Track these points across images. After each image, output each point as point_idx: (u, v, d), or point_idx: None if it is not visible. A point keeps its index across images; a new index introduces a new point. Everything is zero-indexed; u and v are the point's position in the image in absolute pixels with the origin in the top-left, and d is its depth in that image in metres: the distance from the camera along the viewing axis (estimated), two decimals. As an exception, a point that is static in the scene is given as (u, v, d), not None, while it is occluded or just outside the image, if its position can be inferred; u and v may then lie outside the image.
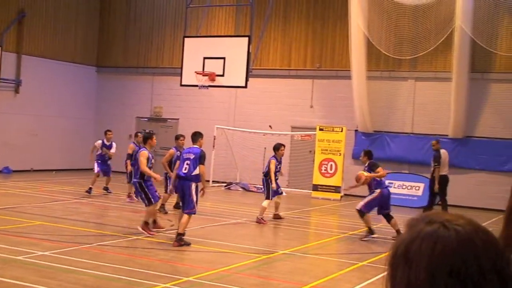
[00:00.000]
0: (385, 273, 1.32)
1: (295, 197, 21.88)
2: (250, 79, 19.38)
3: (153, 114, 27.44)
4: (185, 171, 11.66)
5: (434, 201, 17.85)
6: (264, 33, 23.26)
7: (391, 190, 21.16)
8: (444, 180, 17.60)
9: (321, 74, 23.82)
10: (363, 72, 21.78)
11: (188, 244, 11.49)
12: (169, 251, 11.02)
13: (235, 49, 19.28)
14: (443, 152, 17.93)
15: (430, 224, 1.27)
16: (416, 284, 1.23)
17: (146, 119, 27.68)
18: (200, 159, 11.72)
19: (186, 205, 11.71)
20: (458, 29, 19.79)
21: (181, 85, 20.74)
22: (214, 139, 23.89)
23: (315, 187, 21.92)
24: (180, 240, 11.47)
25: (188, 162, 11.72)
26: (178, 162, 12.77)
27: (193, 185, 11.63)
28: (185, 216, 11.60)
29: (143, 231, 12.25)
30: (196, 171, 11.65)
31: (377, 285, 9.02)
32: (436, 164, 17.56)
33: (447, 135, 21.41)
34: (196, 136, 12.21)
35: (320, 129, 21.99)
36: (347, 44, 22.09)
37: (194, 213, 11.81)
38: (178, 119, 26.70)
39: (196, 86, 19.84)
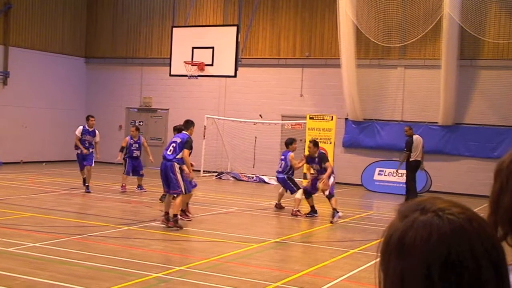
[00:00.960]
0: (377, 260, 1.31)
1: (286, 186, 21.90)
2: (239, 68, 19.37)
3: (143, 105, 27.37)
4: (170, 153, 12.29)
5: (415, 186, 18.06)
6: (252, 22, 23.26)
7: (382, 177, 21.38)
8: (415, 165, 17.97)
9: (311, 62, 23.81)
10: (353, 60, 21.78)
11: (180, 228, 11.69)
12: (161, 241, 11.03)
13: (224, 39, 19.24)
14: (416, 137, 18.26)
15: (423, 213, 1.25)
16: (411, 276, 1.22)
17: (136, 110, 27.61)
18: (185, 144, 12.26)
19: (171, 187, 12.16)
20: (446, 16, 19.82)
21: (170, 75, 20.70)
22: (205, 129, 23.86)
23: (306, 176, 21.92)
24: (176, 222, 11.86)
25: (174, 145, 12.35)
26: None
27: (177, 167, 12.17)
28: (178, 198, 12.06)
29: (181, 218, 12.73)
30: (180, 155, 12.23)
31: (369, 272, 9.07)
32: (406, 150, 17.89)
33: (436, 122, 21.50)
34: (188, 124, 12.81)
35: (310, 118, 22.00)
36: (336, 33, 22.09)
37: (180, 193, 12.19)
38: (168, 109, 26.64)
39: (186, 76, 19.79)
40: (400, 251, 1.25)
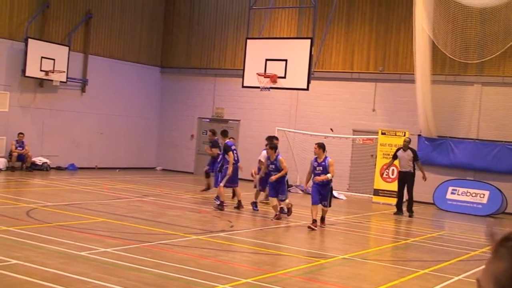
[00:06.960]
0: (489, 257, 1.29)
1: (356, 202, 21.68)
2: (311, 81, 19.29)
3: (214, 115, 27.66)
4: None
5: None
6: (326, 35, 23.13)
7: (455, 196, 20.79)
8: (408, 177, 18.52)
9: (384, 77, 23.52)
10: (428, 76, 21.37)
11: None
12: (228, 252, 11.06)
13: (297, 51, 19.22)
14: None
15: None
16: None
17: (208, 120, 27.93)
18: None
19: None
20: (528, 32, 19.22)
21: (243, 87, 20.83)
22: (275, 141, 23.82)
23: (376, 192, 21.64)
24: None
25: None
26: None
27: None
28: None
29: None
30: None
31: (439, 294, 8.81)
32: (418, 159, 18.47)
33: (514, 142, 20.82)
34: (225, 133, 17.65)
35: (382, 133, 21.70)
36: (411, 47, 21.73)
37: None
38: (239, 120, 26.83)
39: (258, 87, 19.88)
40: None
